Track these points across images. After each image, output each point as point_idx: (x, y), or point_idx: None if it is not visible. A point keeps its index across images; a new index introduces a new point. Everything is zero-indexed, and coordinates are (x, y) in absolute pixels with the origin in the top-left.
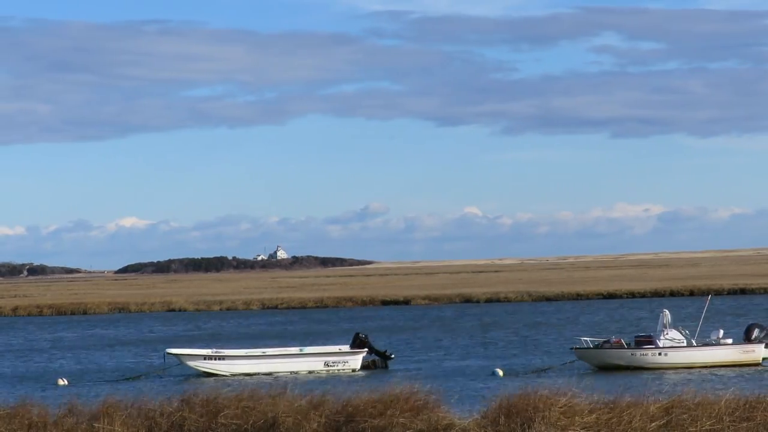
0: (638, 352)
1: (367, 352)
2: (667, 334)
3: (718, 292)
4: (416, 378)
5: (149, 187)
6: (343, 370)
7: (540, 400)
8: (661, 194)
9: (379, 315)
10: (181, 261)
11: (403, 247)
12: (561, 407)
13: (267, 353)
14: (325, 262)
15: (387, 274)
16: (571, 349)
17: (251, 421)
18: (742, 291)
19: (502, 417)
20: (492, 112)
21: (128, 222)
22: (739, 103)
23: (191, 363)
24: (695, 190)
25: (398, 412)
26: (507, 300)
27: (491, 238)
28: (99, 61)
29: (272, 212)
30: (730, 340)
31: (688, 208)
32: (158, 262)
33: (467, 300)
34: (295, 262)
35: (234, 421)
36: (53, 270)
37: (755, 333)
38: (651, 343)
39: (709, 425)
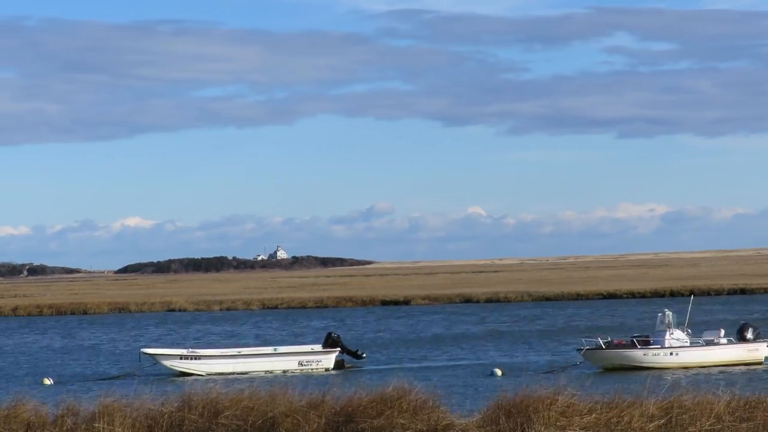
0: (650, 353)
1: (339, 352)
2: (672, 334)
3: (718, 292)
4: (389, 375)
5: (155, 187)
6: (317, 369)
7: (539, 400)
8: (666, 194)
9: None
10: (181, 261)
11: (407, 247)
12: (560, 407)
13: (242, 353)
14: (325, 262)
15: (387, 274)
16: (578, 350)
17: (251, 422)
18: (742, 291)
19: (502, 417)
20: (500, 112)
21: (132, 222)
22: (747, 102)
23: (167, 363)
24: (699, 190)
25: (397, 413)
26: (507, 300)
27: (495, 238)
28: (112, 61)
29: (277, 212)
30: (725, 340)
31: (692, 208)
32: (158, 262)
33: (467, 300)
34: (295, 262)
35: (234, 422)
36: (53, 270)
37: (749, 332)
38: (649, 343)
39: (709, 425)
